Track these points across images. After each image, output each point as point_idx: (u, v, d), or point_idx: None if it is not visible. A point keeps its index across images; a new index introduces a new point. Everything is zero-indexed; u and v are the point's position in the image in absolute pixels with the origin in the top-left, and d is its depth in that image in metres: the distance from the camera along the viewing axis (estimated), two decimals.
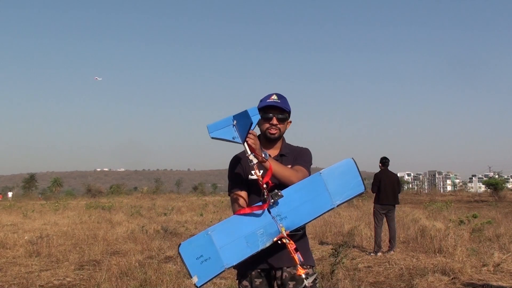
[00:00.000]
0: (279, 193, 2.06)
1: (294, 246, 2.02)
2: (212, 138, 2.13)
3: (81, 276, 6.27)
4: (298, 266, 1.99)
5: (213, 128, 2.14)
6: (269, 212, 2.08)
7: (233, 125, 2.12)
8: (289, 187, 2.17)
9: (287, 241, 2.02)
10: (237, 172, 2.41)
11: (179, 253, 2.06)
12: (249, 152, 2.07)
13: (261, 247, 2.04)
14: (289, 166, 2.36)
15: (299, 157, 2.43)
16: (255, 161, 2.06)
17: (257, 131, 2.47)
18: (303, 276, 1.98)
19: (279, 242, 2.04)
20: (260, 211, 2.09)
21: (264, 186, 2.06)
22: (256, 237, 2.04)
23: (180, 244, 2.07)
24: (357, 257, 7.27)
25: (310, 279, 2.04)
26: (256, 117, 2.09)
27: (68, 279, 6.14)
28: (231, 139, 2.11)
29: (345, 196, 2.14)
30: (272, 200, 2.06)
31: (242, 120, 2.07)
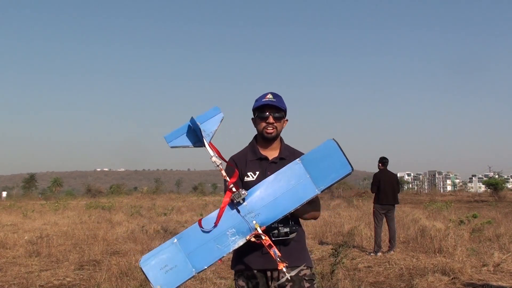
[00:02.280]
0: (242, 192, 2.04)
1: (269, 242, 2.00)
2: (172, 147, 2.11)
3: (81, 276, 6.26)
4: (277, 260, 1.97)
5: (170, 137, 2.12)
6: (238, 211, 2.05)
7: (192, 130, 2.10)
8: (263, 181, 2.13)
9: (262, 237, 2.00)
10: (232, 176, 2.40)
11: (140, 268, 2.02)
12: (212, 154, 2.06)
13: (233, 247, 2.01)
14: None
15: None
16: (218, 162, 2.06)
17: (254, 131, 2.47)
18: (284, 269, 1.96)
19: (253, 239, 2.01)
20: (230, 212, 2.05)
21: (231, 186, 2.05)
22: (226, 238, 2.01)
23: (140, 259, 2.03)
24: (357, 257, 7.26)
25: (293, 272, 2.03)
26: (217, 117, 2.08)
27: (68, 279, 6.14)
28: (192, 145, 2.09)
29: (330, 180, 2.04)
30: (236, 201, 2.04)
31: (204, 122, 2.07)
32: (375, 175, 8.19)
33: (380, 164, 8.17)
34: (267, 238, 2.01)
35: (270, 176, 2.15)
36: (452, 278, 5.66)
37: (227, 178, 2.06)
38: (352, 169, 2.05)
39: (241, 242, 2.02)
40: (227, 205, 2.07)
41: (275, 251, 1.99)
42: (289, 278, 2.00)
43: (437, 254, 7.27)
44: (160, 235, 10.19)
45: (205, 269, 2.02)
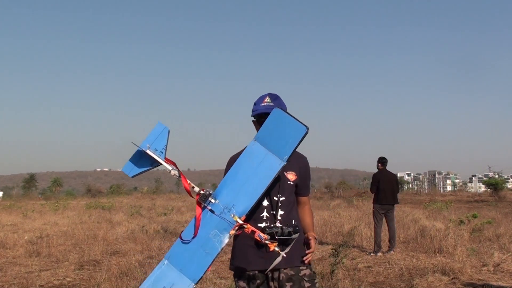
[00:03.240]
0: (207, 193, 2.04)
1: (251, 229, 2.01)
2: (133, 177, 2.13)
3: (81, 276, 6.26)
4: (266, 243, 1.99)
5: (128, 169, 2.13)
6: (213, 212, 2.05)
7: (145, 153, 2.10)
8: (228, 173, 2.12)
9: (245, 226, 2.01)
10: None
11: None
12: (170, 168, 2.08)
13: (220, 247, 2.02)
14: (293, 173, 2.38)
15: (304, 181, 2.45)
16: (178, 174, 2.08)
17: (254, 131, 2.47)
18: (276, 249, 1.98)
19: (233, 232, 2.01)
20: (207, 216, 2.06)
21: (197, 190, 2.07)
22: (211, 241, 2.02)
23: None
24: (357, 257, 7.26)
25: (287, 249, 2.06)
26: (164, 132, 2.10)
27: (68, 279, 6.14)
28: (151, 167, 2.11)
29: (290, 147, 2.04)
30: (204, 204, 2.04)
31: (153, 141, 2.09)
32: (374, 175, 8.19)
33: (379, 164, 8.17)
34: (248, 225, 2.02)
35: (233, 166, 2.13)
36: (452, 278, 5.66)
37: (186, 183, 2.06)
38: (307, 128, 2.02)
39: (226, 239, 2.02)
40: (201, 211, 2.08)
41: (260, 235, 2.00)
42: (284, 255, 2.02)
43: (437, 254, 7.26)
44: (160, 235, 10.18)
45: (202, 276, 2.02)
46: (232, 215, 2.03)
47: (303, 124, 2.02)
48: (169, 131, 2.13)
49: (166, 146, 2.11)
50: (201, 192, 2.07)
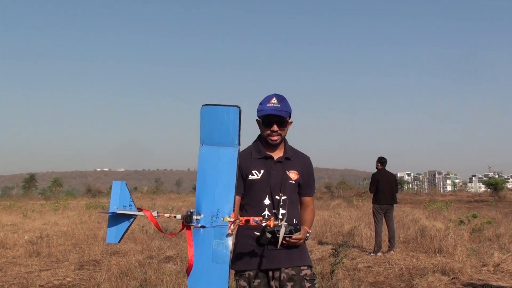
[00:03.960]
0: (189, 213, 2.04)
1: (244, 219, 2.03)
2: (119, 242, 2.16)
3: (81, 276, 6.26)
4: (262, 223, 2.02)
5: (110, 237, 2.15)
6: (204, 226, 2.05)
7: (119, 215, 2.14)
8: (197, 185, 2.13)
9: (238, 222, 2.03)
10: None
11: None
12: (145, 214, 2.09)
13: (228, 251, 2.01)
14: (296, 172, 2.39)
15: (307, 180, 2.45)
16: (156, 214, 2.10)
17: (257, 131, 2.47)
18: (274, 223, 2.02)
19: (230, 231, 2.01)
20: (200, 233, 2.06)
21: (179, 218, 2.08)
22: (217, 251, 2.02)
23: None
24: (357, 257, 7.26)
25: (287, 229, 2.08)
26: (124, 188, 2.15)
27: (68, 279, 6.14)
28: (130, 222, 2.14)
29: (233, 131, 2.06)
30: (192, 224, 2.05)
31: (118, 201, 2.14)
32: (374, 175, 8.19)
33: (378, 164, 8.18)
34: (240, 218, 2.04)
35: (197, 177, 2.16)
36: (452, 278, 5.66)
37: (166, 215, 2.10)
38: (238, 107, 2.05)
39: (229, 241, 2.03)
40: (191, 233, 2.08)
41: (255, 220, 2.03)
42: (285, 224, 2.06)
43: (437, 254, 7.27)
44: (160, 235, 10.18)
45: (229, 282, 2.02)
46: (221, 219, 2.03)
47: (232, 105, 2.05)
48: (126, 183, 2.19)
49: (131, 198, 2.15)
50: (183, 215, 2.07)
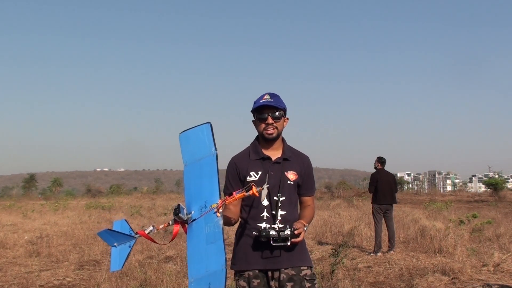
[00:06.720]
0: (177, 210, 2.11)
1: (232, 198, 2.07)
2: (122, 268, 2.26)
3: (81, 276, 6.27)
4: (251, 191, 2.03)
5: (114, 265, 2.25)
6: (194, 220, 2.11)
7: (117, 246, 2.26)
8: (185, 191, 2.22)
9: (225, 202, 2.08)
10: (232, 176, 2.41)
11: None
12: (142, 236, 2.22)
13: (220, 228, 2.03)
14: (294, 172, 2.38)
15: (306, 180, 2.44)
16: (151, 229, 2.22)
17: (254, 131, 2.47)
18: (258, 189, 2.04)
19: (220, 210, 2.04)
20: (192, 225, 2.13)
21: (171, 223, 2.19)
22: (210, 232, 2.05)
23: None
24: (357, 257, 7.26)
25: (264, 195, 2.12)
26: (124, 225, 2.28)
27: (68, 279, 6.14)
28: (130, 248, 2.24)
29: (209, 142, 2.20)
30: (185, 219, 2.11)
31: (119, 240, 2.25)
32: (373, 175, 8.19)
33: (378, 164, 8.18)
34: (227, 197, 2.09)
35: (184, 190, 2.23)
36: (452, 278, 5.66)
37: (161, 226, 2.24)
38: (209, 122, 2.22)
39: (220, 221, 2.05)
40: (186, 229, 2.15)
41: (237, 192, 2.08)
42: (267, 186, 2.13)
43: (437, 254, 7.27)
44: (160, 235, 10.18)
45: (226, 258, 2.03)
46: (210, 206, 2.09)
47: (204, 123, 2.24)
48: (126, 220, 2.31)
49: (130, 228, 2.26)
50: (176, 218, 2.13)
